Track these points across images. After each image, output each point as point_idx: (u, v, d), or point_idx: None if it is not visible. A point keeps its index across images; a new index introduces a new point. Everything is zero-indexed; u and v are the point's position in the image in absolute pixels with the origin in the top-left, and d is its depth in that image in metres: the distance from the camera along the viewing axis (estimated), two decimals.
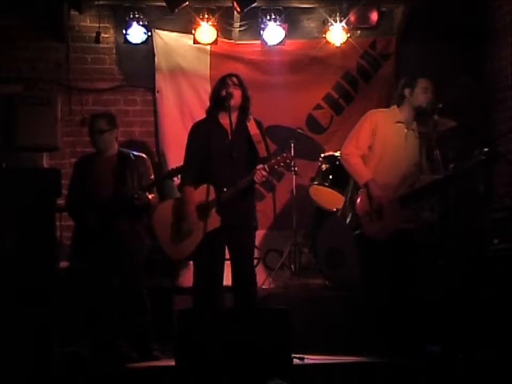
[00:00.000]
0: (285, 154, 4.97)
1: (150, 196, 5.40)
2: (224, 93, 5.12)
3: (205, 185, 5.02)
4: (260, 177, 4.93)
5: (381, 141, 5.30)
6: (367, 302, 5.31)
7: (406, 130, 5.32)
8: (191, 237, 5.05)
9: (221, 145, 5.09)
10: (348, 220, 5.41)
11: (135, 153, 5.61)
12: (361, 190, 5.27)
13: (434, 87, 5.32)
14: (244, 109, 5.18)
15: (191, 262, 5.33)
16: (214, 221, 5.00)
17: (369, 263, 5.25)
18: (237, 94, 5.14)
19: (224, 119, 5.11)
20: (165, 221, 5.16)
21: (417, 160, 5.28)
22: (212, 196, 5.00)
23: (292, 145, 6.59)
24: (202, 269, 5.10)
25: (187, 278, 6.53)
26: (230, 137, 5.10)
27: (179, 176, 5.31)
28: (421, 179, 5.22)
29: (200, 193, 5.06)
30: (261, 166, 4.94)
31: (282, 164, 4.95)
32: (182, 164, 5.27)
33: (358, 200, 5.27)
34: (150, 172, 5.57)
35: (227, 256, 5.18)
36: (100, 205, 5.34)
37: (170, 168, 5.53)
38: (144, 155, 5.64)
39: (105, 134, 5.48)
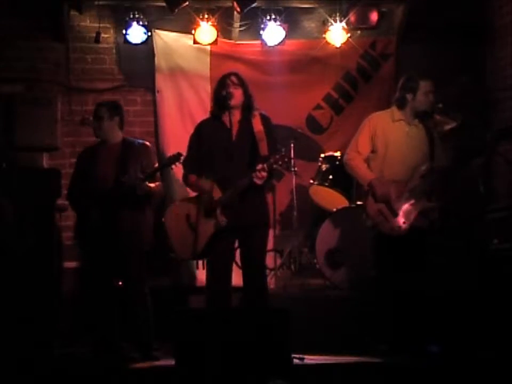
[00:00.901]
0: (283, 153, 4.96)
1: (153, 185, 5.37)
2: (224, 93, 5.12)
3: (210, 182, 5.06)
4: (261, 178, 4.92)
5: (381, 141, 5.31)
6: (376, 302, 5.32)
7: (407, 126, 5.32)
8: (198, 236, 5.05)
9: (223, 146, 5.10)
10: (364, 222, 5.43)
11: (139, 141, 5.60)
12: (369, 192, 5.29)
13: (435, 87, 5.31)
14: (247, 107, 5.17)
15: (193, 262, 5.35)
16: (219, 221, 5.00)
17: (386, 261, 5.26)
18: (237, 93, 5.13)
19: (226, 119, 5.12)
20: (176, 220, 5.17)
21: (426, 152, 5.27)
22: (217, 194, 5.02)
23: (292, 145, 6.60)
24: (211, 269, 5.12)
25: (188, 277, 6.56)
26: (232, 137, 5.10)
27: (177, 164, 5.28)
28: (435, 166, 5.23)
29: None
30: (260, 166, 4.92)
31: (280, 163, 4.94)
32: (179, 151, 5.27)
33: (368, 202, 5.29)
34: (154, 160, 5.55)
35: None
36: (101, 194, 5.31)
37: (168, 156, 5.49)
38: (148, 143, 5.62)
39: (104, 121, 5.46)
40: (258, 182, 4.93)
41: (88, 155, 5.54)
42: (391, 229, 5.20)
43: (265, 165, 4.91)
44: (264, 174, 4.91)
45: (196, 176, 5.19)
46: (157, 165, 5.50)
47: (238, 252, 5.31)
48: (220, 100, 5.15)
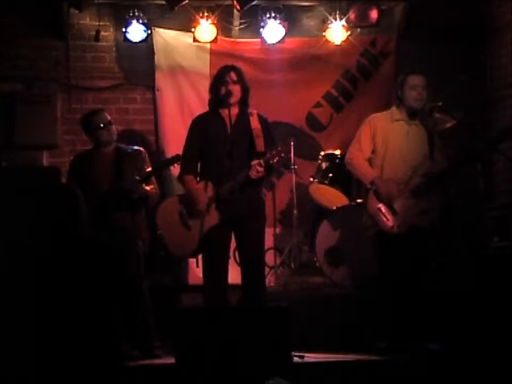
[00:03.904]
0: (279, 148, 4.97)
1: (148, 187, 5.38)
2: (223, 90, 5.12)
3: (203, 182, 5.05)
4: (256, 173, 4.93)
5: (381, 141, 5.32)
6: (376, 299, 5.32)
7: (407, 126, 5.32)
8: (193, 233, 5.05)
9: (221, 140, 5.10)
10: (364, 221, 5.43)
11: (133, 147, 5.61)
12: (370, 190, 5.29)
13: (426, 82, 5.29)
14: (244, 101, 5.18)
15: (192, 259, 5.35)
16: (213, 217, 5.01)
17: (387, 259, 5.27)
18: (236, 90, 5.14)
19: (224, 114, 5.11)
20: (169, 218, 5.16)
21: (426, 152, 5.28)
22: (210, 192, 5.02)
23: (292, 143, 6.60)
24: (207, 267, 5.11)
25: (188, 275, 6.56)
26: (229, 131, 5.11)
27: (175, 165, 5.29)
28: (433, 168, 5.24)
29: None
30: (256, 161, 4.93)
31: (277, 158, 4.95)
32: (178, 153, 5.27)
33: (368, 201, 5.29)
34: (147, 164, 5.56)
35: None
36: (97, 201, 5.31)
37: (166, 158, 5.49)
38: (141, 148, 5.64)
39: (112, 125, 5.50)
40: (254, 177, 4.94)
41: (83, 162, 5.55)
42: (390, 228, 5.21)
43: (261, 161, 4.92)
44: (260, 169, 4.92)
45: (192, 177, 5.18)
46: (150, 168, 5.51)
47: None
48: (219, 97, 5.15)
